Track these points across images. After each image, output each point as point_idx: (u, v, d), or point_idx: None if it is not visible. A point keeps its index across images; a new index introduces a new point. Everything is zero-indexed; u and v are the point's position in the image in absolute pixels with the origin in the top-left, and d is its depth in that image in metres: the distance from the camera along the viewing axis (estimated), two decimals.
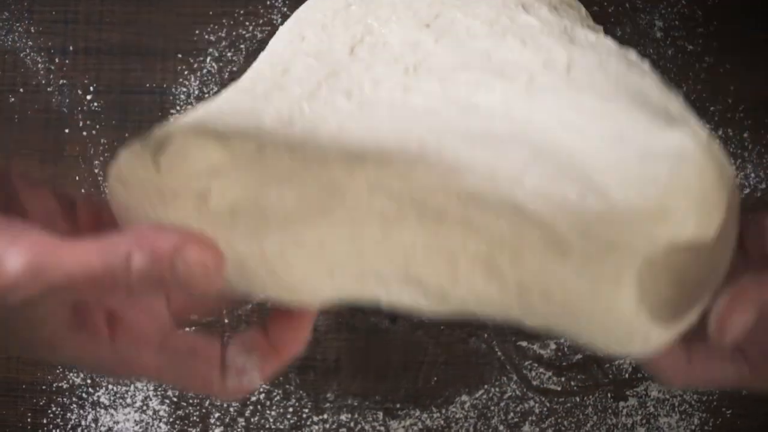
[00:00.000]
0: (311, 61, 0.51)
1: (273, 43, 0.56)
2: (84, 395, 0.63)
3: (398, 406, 0.63)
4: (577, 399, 0.63)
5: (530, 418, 0.63)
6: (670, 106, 0.46)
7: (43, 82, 0.65)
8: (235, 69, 0.65)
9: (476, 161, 0.42)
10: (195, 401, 0.63)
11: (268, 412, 0.63)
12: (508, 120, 0.44)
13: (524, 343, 0.63)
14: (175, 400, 0.63)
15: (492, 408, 0.63)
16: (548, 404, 0.63)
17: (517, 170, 0.41)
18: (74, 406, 0.63)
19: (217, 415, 0.63)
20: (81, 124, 0.64)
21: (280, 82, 0.48)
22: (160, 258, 0.35)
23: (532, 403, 0.63)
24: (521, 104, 0.45)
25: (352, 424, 0.63)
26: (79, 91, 0.65)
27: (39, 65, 0.65)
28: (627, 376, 0.63)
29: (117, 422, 0.63)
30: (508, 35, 0.51)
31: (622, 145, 0.41)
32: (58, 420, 0.63)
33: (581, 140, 0.42)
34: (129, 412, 0.63)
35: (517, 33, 0.51)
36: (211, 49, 0.65)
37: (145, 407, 0.63)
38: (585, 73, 0.47)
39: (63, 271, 0.34)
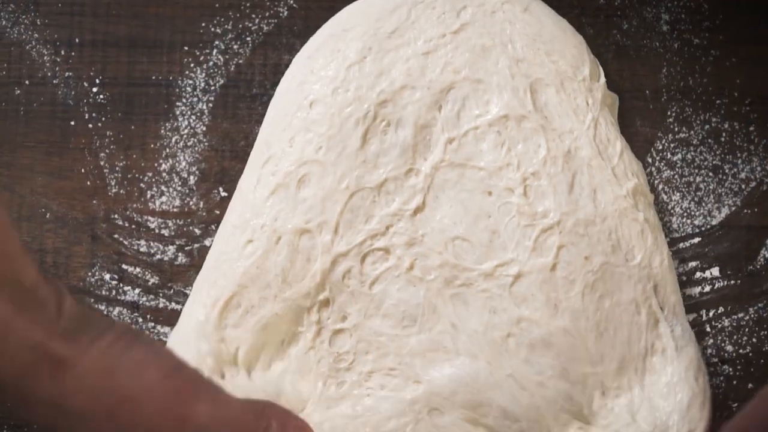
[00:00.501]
0: (328, 179, 0.58)
1: (280, 101, 0.60)
2: None
3: None
4: None
5: None
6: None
7: (49, 74, 0.65)
8: (241, 61, 0.64)
9: None
10: None
11: None
12: None
13: None
14: None
15: None
16: None
17: None
18: None
19: None
20: (87, 116, 0.64)
21: (299, 244, 0.58)
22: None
23: None
24: None
25: None
26: (85, 84, 0.64)
27: (45, 57, 0.65)
28: None
29: None
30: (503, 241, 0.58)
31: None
32: None
33: None
34: None
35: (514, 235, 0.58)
36: (217, 42, 0.65)
37: None
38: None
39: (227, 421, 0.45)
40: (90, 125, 0.64)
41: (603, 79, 0.61)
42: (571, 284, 0.57)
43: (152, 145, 0.64)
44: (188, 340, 0.58)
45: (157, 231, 0.64)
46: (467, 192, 0.58)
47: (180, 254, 0.63)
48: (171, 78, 0.64)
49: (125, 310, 0.63)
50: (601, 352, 0.56)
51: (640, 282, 0.58)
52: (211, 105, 0.64)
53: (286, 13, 0.65)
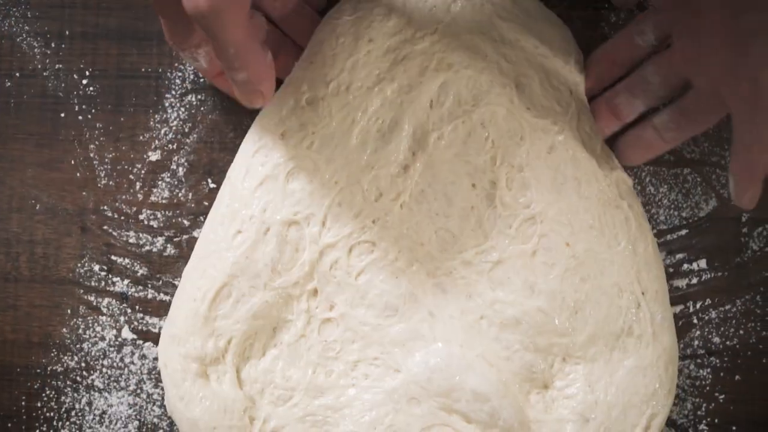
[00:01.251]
0: (318, 173, 0.58)
1: (276, 93, 0.61)
2: (78, 379, 0.63)
3: None
4: None
5: None
6: None
7: (39, 66, 0.65)
8: None
9: None
10: None
11: None
12: None
13: None
14: None
15: None
16: None
17: None
18: (68, 389, 0.63)
19: None
20: (77, 108, 0.64)
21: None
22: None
23: None
24: None
25: None
26: (75, 76, 0.65)
27: (35, 50, 0.65)
28: None
29: (111, 405, 0.63)
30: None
31: None
32: (52, 403, 0.63)
33: None
34: (123, 396, 0.63)
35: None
36: None
37: (138, 390, 0.63)
38: None
39: None
40: (80, 117, 0.64)
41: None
42: (550, 268, 0.57)
43: (141, 137, 0.64)
44: (180, 336, 0.58)
45: (146, 222, 0.64)
46: (452, 185, 0.58)
47: (169, 245, 0.64)
48: (160, 70, 0.64)
49: (114, 300, 0.63)
50: (572, 326, 0.57)
51: (623, 267, 0.58)
52: (200, 97, 0.64)
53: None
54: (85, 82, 0.65)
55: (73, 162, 0.64)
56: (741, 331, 0.63)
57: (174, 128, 0.64)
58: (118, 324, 0.63)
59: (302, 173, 0.58)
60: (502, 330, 0.57)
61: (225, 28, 0.50)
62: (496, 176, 0.58)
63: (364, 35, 0.59)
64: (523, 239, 0.58)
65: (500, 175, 0.58)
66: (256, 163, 0.59)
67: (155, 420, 0.63)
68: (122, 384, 0.63)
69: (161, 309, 0.63)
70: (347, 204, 0.58)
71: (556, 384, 0.58)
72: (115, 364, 0.63)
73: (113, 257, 0.64)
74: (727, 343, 0.63)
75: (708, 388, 0.63)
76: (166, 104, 0.64)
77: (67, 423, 0.63)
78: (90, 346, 0.63)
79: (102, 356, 0.63)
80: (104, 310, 0.64)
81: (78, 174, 0.64)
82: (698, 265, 0.63)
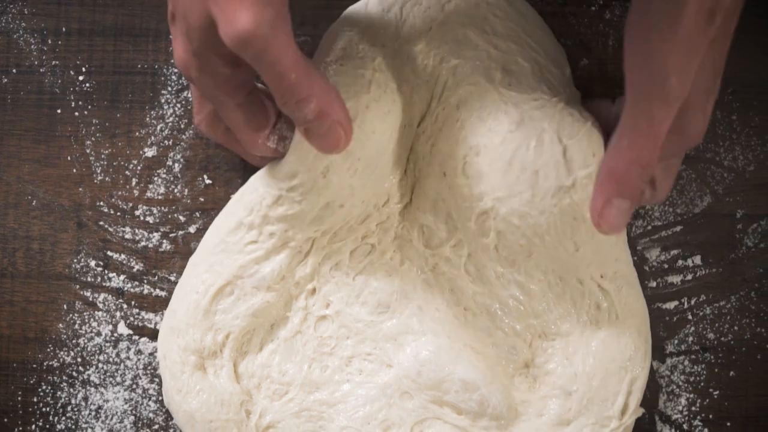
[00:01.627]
0: (351, 202, 0.57)
1: None
2: (74, 374, 0.63)
3: None
4: None
5: None
6: None
7: (36, 63, 0.65)
8: None
9: None
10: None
11: None
12: None
13: None
14: None
15: None
16: None
17: None
18: (64, 384, 0.64)
19: None
20: (73, 104, 0.65)
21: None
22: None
23: None
24: None
25: None
26: (72, 72, 0.65)
27: (32, 46, 0.65)
28: None
29: (107, 401, 0.63)
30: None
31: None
32: (48, 398, 0.64)
33: None
34: (119, 391, 0.63)
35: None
36: None
37: (134, 386, 0.63)
38: None
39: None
40: (76, 113, 0.65)
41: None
42: (512, 263, 0.58)
43: (137, 133, 0.64)
44: (180, 328, 0.59)
45: (142, 218, 0.64)
46: (430, 177, 0.58)
47: (165, 241, 0.64)
48: (156, 66, 0.65)
49: (110, 296, 0.64)
50: (543, 307, 0.58)
51: (582, 263, 0.57)
52: None
53: None
54: (81, 78, 0.65)
55: (69, 158, 0.64)
56: (735, 327, 0.63)
57: (170, 124, 0.64)
58: (114, 319, 0.64)
59: (336, 202, 0.56)
60: (484, 318, 0.59)
61: (278, 50, 0.43)
62: (455, 162, 0.56)
63: (377, 41, 0.57)
64: (483, 233, 0.57)
65: (458, 158, 0.56)
66: (291, 198, 0.56)
67: (151, 415, 0.63)
68: (118, 379, 0.63)
69: (157, 305, 0.64)
70: (361, 215, 0.59)
71: (536, 361, 0.59)
72: (110, 360, 0.63)
73: (109, 253, 0.64)
74: (722, 339, 0.63)
75: (702, 384, 0.63)
76: (162, 100, 0.64)
77: (63, 418, 0.63)
78: (86, 341, 0.64)
79: (98, 352, 0.64)
80: (100, 306, 0.64)
81: (74, 170, 0.64)
82: (693, 262, 0.63)
